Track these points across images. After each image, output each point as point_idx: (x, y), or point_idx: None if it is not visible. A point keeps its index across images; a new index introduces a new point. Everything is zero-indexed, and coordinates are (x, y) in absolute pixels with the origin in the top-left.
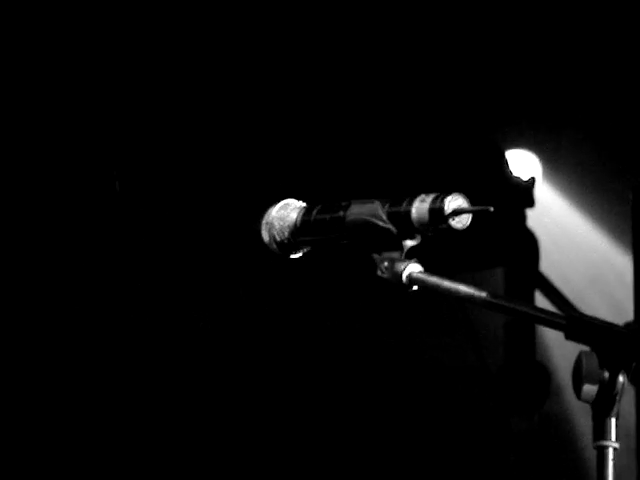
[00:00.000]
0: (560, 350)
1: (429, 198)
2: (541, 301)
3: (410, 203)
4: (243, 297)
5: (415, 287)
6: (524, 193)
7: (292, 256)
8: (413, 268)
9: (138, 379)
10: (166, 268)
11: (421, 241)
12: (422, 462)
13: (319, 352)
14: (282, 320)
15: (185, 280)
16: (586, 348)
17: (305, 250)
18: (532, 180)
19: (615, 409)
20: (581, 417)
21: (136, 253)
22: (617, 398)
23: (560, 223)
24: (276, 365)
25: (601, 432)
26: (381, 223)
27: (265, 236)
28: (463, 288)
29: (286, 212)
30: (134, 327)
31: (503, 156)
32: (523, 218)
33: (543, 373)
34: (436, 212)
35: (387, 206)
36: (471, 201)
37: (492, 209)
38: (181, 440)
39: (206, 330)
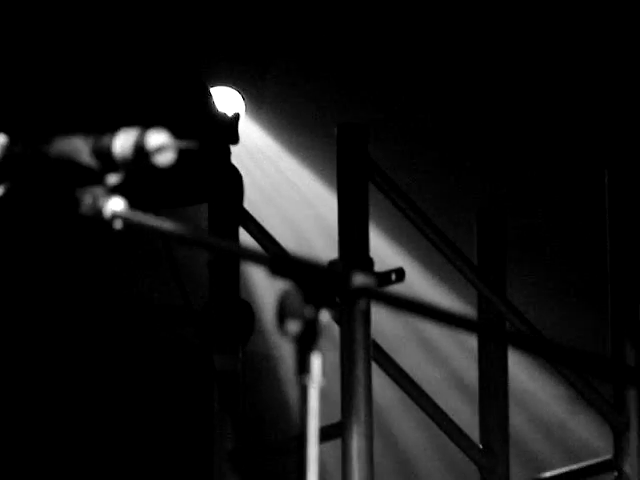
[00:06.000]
0: (265, 288)
1: (131, 133)
2: (246, 238)
3: (112, 139)
4: None
5: (118, 224)
6: (228, 129)
7: None
8: (116, 205)
9: None
10: None
11: (125, 177)
12: (127, 397)
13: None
14: None
15: None
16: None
17: (5, 186)
18: (236, 116)
19: (318, 345)
20: (286, 353)
21: None
22: (320, 334)
23: (265, 160)
24: None
25: (304, 368)
26: (84, 159)
27: None
28: (166, 225)
29: None
30: None
31: (207, 92)
32: (227, 154)
33: (247, 310)
34: (139, 148)
35: (90, 141)
36: (175, 137)
37: (196, 145)
38: None
39: None
